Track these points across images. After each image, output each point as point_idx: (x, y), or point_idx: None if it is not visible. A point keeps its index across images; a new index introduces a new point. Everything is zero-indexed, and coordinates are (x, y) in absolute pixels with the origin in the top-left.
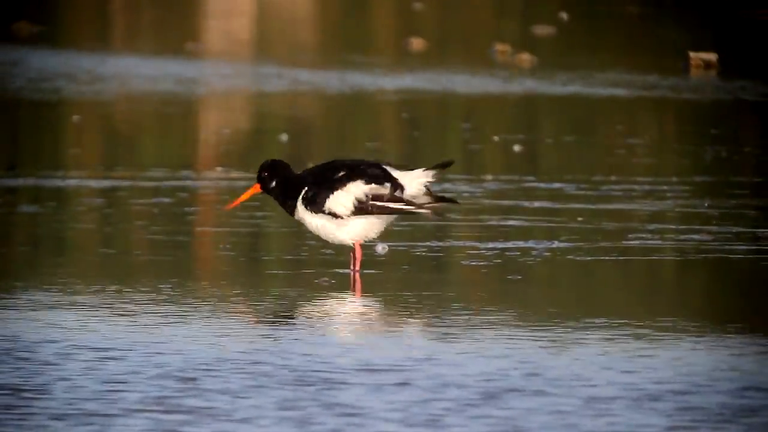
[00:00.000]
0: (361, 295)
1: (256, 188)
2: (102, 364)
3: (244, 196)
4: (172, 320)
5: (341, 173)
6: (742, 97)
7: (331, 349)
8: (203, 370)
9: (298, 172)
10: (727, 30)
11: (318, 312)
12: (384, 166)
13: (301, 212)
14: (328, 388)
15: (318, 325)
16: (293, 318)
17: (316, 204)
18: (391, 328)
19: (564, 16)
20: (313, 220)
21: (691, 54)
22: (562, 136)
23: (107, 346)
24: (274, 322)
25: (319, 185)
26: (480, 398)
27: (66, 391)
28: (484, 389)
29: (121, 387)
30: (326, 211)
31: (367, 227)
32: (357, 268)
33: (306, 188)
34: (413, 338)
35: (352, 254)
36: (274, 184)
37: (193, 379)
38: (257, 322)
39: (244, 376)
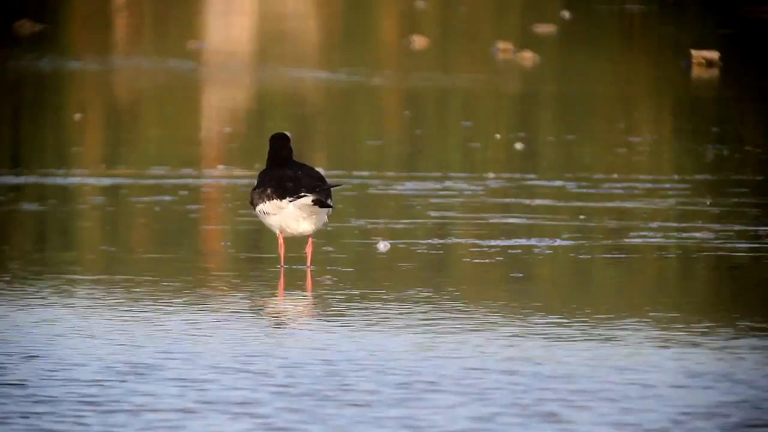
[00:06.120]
0: (362, 292)
1: None
2: (106, 355)
3: None
4: (172, 314)
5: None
6: (743, 95)
7: (331, 343)
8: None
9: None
10: (730, 28)
11: (316, 310)
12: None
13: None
14: (329, 380)
15: (314, 322)
16: (292, 315)
17: (251, 196)
18: (392, 324)
19: (566, 14)
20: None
21: (693, 52)
22: (564, 134)
23: (109, 339)
24: (267, 318)
25: (258, 184)
26: (480, 396)
27: (64, 384)
28: (484, 386)
29: (116, 381)
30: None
31: (270, 222)
32: (281, 262)
33: (258, 179)
34: (414, 335)
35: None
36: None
37: (202, 380)
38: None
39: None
